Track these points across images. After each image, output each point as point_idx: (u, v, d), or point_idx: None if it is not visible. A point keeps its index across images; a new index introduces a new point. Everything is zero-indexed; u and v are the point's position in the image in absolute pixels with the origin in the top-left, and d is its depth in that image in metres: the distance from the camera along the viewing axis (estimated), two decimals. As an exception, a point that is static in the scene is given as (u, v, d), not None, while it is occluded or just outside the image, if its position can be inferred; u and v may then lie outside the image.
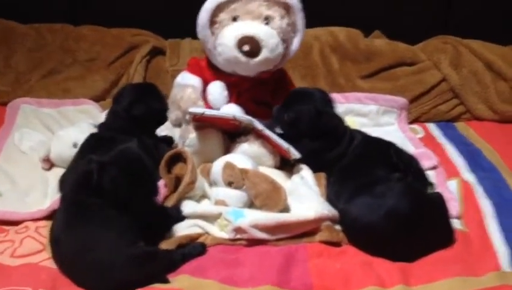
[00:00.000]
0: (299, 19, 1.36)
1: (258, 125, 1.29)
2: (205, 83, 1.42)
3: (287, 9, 1.36)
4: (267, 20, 1.32)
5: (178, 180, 1.25)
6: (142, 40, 1.78)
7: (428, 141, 1.59)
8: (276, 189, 1.19)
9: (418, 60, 1.74)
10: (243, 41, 1.28)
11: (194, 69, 1.44)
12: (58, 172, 1.33)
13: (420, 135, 1.62)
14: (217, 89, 1.39)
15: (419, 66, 1.73)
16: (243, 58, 1.29)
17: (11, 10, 1.83)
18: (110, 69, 1.73)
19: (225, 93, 1.39)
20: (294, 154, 1.27)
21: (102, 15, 1.85)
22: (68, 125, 1.53)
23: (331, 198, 1.24)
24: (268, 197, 1.18)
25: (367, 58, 1.73)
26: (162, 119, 1.39)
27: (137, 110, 1.31)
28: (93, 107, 1.66)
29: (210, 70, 1.41)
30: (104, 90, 1.71)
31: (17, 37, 1.79)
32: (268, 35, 1.29)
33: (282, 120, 1.35)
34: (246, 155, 1.30)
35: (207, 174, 1.29)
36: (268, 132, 1.29)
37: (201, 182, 1.26)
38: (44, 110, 1.64)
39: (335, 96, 1.52)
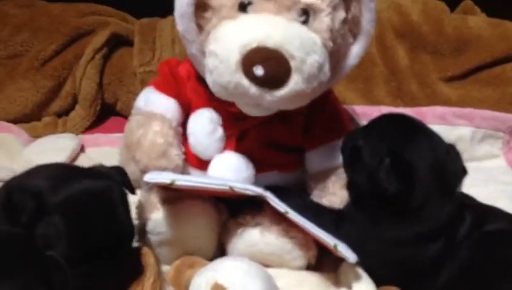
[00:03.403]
0: (367, 11, 0.78)
1: (278, 204, 0.74)
2: (186, 108, 0.84)
3: None
4: (307, 14, 0.74)
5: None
6: (96, 22, 1.26)
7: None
8: None
9: (541, 50, 1.25)
10: (255, 57, 0.69)
11: (166, 83, 0.85)
12: None
13: (545, 179, 1.12)
14: (204, 126, 0.81)
15: (543, 61, 1.24)
16: (252, 88, 0.70)
17: None
18: (45, 71, 1.22)
19: (218, 133, 0.81)
20: (347, 256, 0.73)
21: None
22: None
23: None
24: None
25: (456, 49, 1.25)
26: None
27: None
28: (13, 137, 1.11)
29: (195, 85, 0.82)
30: (36, 104, 1.21)
31: None
32: (306, 46, 0.71)
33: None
34: (255, 254, 0.76)
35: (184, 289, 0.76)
36: (296, 217, 0.74)
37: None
38: None
39: (402, 111, 1.07)
